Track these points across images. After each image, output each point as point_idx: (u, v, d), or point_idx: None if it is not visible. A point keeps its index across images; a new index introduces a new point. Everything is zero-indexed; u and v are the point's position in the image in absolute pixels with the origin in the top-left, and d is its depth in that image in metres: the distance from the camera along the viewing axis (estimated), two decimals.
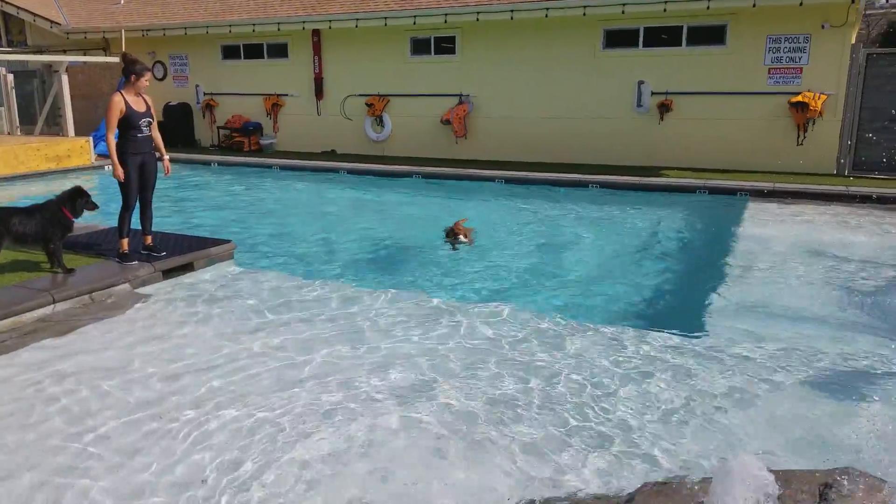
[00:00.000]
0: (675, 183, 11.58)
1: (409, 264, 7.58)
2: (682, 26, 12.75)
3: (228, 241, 7.67)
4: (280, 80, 16.84)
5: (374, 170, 13.79)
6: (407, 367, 4.79)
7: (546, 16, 13.13)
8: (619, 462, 3.63)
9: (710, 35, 12.62)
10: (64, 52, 18.58)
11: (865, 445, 3.66)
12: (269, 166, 14.77)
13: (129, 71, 6.57)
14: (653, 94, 13.05)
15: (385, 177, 13.44)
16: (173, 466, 3.59)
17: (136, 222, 6.90)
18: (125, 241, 6.83)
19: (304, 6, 15.94)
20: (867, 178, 11.52)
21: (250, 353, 5.02)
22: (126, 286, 6.42)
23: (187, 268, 7.02)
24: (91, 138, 15.21)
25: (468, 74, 14.65)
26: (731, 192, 11.01)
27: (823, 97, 11.78)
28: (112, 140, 6.57)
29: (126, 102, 6.50)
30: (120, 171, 6.53)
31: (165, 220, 9.18)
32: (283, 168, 14.59)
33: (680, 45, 12.85)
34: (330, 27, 15.42)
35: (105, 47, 18.65)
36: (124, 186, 6.68)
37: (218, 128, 17.68)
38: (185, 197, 11.92)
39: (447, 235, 8.26)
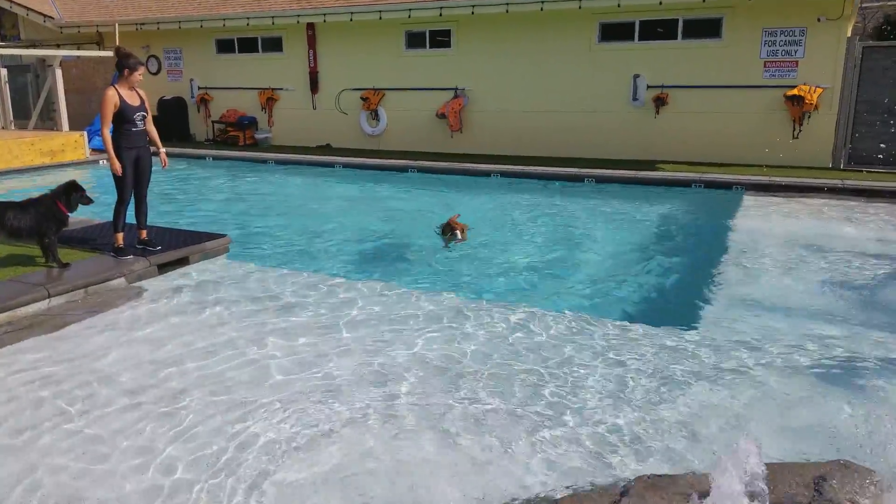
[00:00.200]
0: (670, 177, 11.58)
1: (404, 259, 7.57)
2: (677, 19, 12.73)
3: (224, 236, 7.66)
4: (275, 74, 16.78)
5: (370, 164, 13.77)
6: (403, 361, 4.79)
7: (541, 9, 13.10)
8: (614, 454, 3.64)
9: (706, 28, 12.60)
10: (57, 46, 18.47)
11: (860, 438, 3.68)
12: (265, 161, 14.74)
13: (123, 65, 6.54)
14: (648, 87, 13.04)
15: (380, 171, 13.42)
16: (170, 459, 3.59)
17: (131, 217, 6.88)
18: (120, 236, 6.82)
19: (299, 0, 15.89)
20: (863, 171, 11.54)
21: (246, 347, 5.02)
22: (121, 280, 6.41)
23: (183, 262, 7.01)
24: (85, 133, 15.16)
25: (463, 68, 14.62)
26: (727, 185, 11.02)
27: (819, 90, 11.79)
28: (107, 134, 6.54)
29: (120, 96, 6.48)
30: (117, 164, 6.51)
31: (161, 214, 9.16)
32: (279, 162, 14.56)
33: (675, 38, 12.84)
34: (324, 21, 15.36)
35: (99, 41, 18.56)
36: (119, 181, 6.66)
37: (213, 122, 17.63)
38: (181, 191, 11.89)
39: (442, 231, 8.25)
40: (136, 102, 6.60)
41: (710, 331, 5.34)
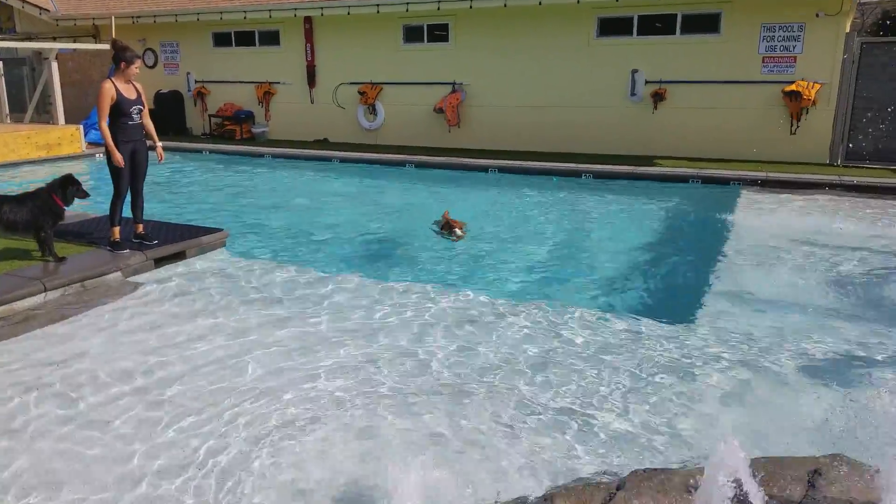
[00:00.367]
0: (668, 172, 11.58)
1: (400, 254, 7.57)
2: (676, 14, 12.71)
3: (221, 230, 7.65)
4: (272, 67, 16.74)
5: (367, 158, 13.75)
6: (400, 354, 4.80)
7: (540, 3, 13.07)
8: (609, 448, 3.65)
9: (705, 23, 12.58)
10: (53, 39, 18.39)
11: (853, 432, 3.69)
12: (262, 155, 14.70)
13: (120, 58, 6.52)
14: (647, 82, 13.03)
15: (378, 165, 13.40)
16: (165, 451, 3.59)
17: (127, 211, 6.87)
18: (117, 230, 6.80)
19: None
20: (860, 167, 11.55)
21: (242, 341, 5.02)
22: (118, 275, 6.39)
23: (179, 256, 7.00)
24: (81, 126, 15.10)
25: (461, 63, 14.58)
26: (725, 181, 11.02)
27: (817, 86, 11.79)
28: (105, 127, 6.52)
29: (117, 90, 6.46)
30: (118, 156, 6.48)
31: (157, 208, 9.14)
32: (276, 157, 14.53)
33: (674, 33, 12.82)
34: (322, 14, 15.31)
35: (95, 34, 18.49)
36: (116, 174, 6.64)
37: (209, 116, 17.58)
38: (177, 185, 11.87)
39: (440, 228, 8.23)
40: (132, 96, 6.58)
41: (705, 325, 5.35)
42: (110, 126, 6.54)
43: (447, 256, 7.37)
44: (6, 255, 6.57)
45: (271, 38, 16.67)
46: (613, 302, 6.02)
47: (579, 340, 5.04)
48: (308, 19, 15.84)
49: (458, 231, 7.93)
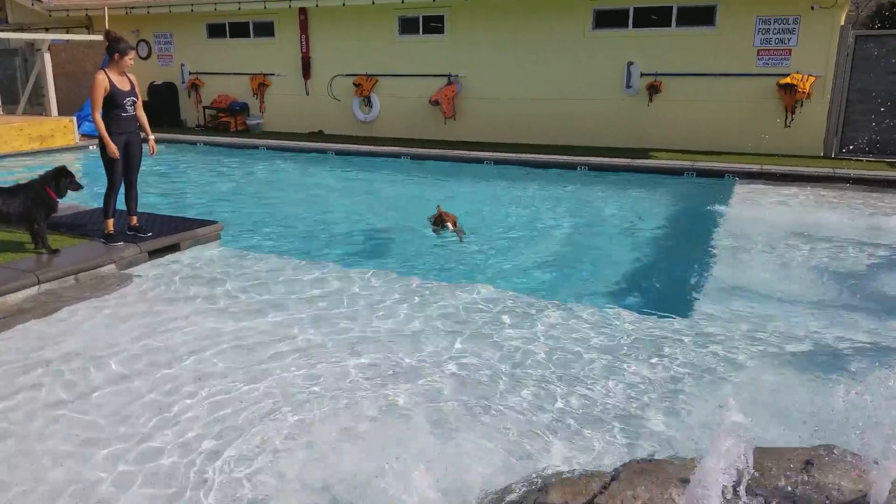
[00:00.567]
0: (663, 165, 11.59)
1: (395, 246, 7.58)
2: (671, 7, 12.69)
3: (215, 222, 7.63)
4: (266, 59, 16.66)
5: (363, 150, 13.72)
6: (396, 348, 4.80)
7: None
8: (605, 439, 3.67)
9: (700, 16, 12.58)
10: (46, 29, 18.26)
11: (846, 422, 3.71)
12: (256, 147, 14.66)
13: (113, 49, 6.48)
14: (642, 75, 13.02)
15: (373, 157, 13.37)
16: (158, 443, 3.59)
17: (121, 203, 6.84)
18: (110, 222, 6.78)
19: None
20: (854, 160, 11.57)
21: (236, 334, 5.01)
22: (111, 267, 6.37)
23: (173, 248, 6.98)
24: (75, 118, 15.03)
25: (457, 54, 14.55)
26: (719, 174, 11.04)
27: (812, 79, 11.80)
28: (99, 119, 6.47)
29: (110, 81, 6.42)
30: (113, 147, 6.44)
31: (151, 200, 9.11)
32: (271, 149, 14.49)
33: (669, 25, 12.81)
34: (317, 5, 15.24)
35: (88, 25, 18.36)
36: (109, 166, 6.61)
37: (204, 108, 17.50)
38: (172, 178, 11.83)
39: (433, 223, 8.20)
40: (126, 87, 6.55)
41: (699, 317, 5.37)
42: (104, 118, 6.50)
43: (440, 248, 7.37)
44: None
45: (266, 30, 16.59)
46: (602, 292, 6.04)
47: (560, 328, 5.05)
48: (303, 10, 15.76)
49: (449, 225, 7.90)
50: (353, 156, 13.62)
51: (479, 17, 14.17)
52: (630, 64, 13.04)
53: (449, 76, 14.63)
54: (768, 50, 12.15)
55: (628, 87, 13.13)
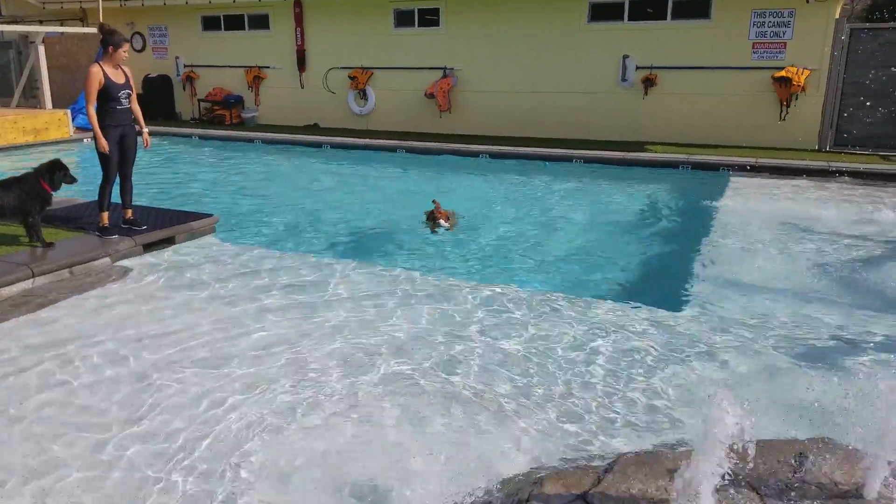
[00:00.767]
0: (658, 158, 11.60)
1: (391, 240, 7.57)
2: None
3: (210, 215, 7.61)
4: (261, 51, 16.59)
5: (358, 144, 13.69)
6: (382, 341, 4.81)
7: None
8: (599, 432, 3.68)
9: (695, 9, 12.56)
10: (40, 22, 18.15)
11: (841, 416, 3.73)
12: (251, 140, 14.61)
13: (108, 42, 6.45)
14: (637, 68, 13.01)
15: (369, 151, 13.35)
16: (153, 436, 3.60)
17: (116, 196, 6.82)
18: (105, 215, 6.76)
19: None
20: (849, 153, 11.60)
21: (230, 326, 5.01)
22: (106, 260, 6.36)
23: (168, 241, 6.97)
24: (69, 111, 14.95)
25: (453, 47, 14.51)
26: (714, 167, 11.05)
27: (806, 72, 11.81)
28: (93, 112, 6.46)
29: (104, 74, 6.39)
30: (104, 142, 6.43)
31: (146, 193, 9.09)
32: (266, 142, 14.44)
33: (665, 18, 12.78)
34: None
35: (82, 17, 18.25)
36: (104, 159, 6.59)
37: (199, 101, 17.42)
38: (167, 171, 11.79)
39: (427, 219, 8.19)
40: (120, 80, 6.52)
41: (695, 310, 5.39)
42: (98, 110, 6.48)
43: (435, 243, 7.37)
44: None
45: (261, 22, 16.51)
46: (597, 285, 6.05)
47: (557, 322, 5.07)
48: (298, 3, 15.69)
49: (442, 222, 7.89)
50: (349, 149, 13.59)
51: (474, 10, 14.12)
52: (625, 57, 13.02)
53: (444, 69, 14.59)
54: (763, 43, 12.14)
55: (624, 80, 13.12)
